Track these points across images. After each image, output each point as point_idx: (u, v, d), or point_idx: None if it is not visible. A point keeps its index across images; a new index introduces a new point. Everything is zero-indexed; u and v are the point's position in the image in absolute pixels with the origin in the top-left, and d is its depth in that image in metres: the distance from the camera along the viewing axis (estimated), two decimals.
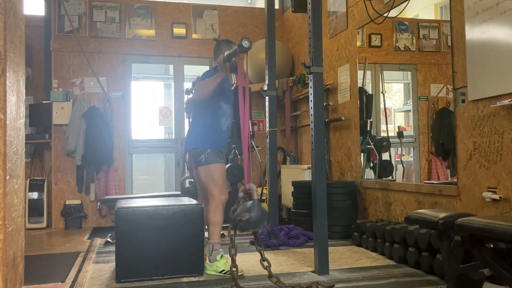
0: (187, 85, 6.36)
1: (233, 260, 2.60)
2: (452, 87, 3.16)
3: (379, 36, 4.45)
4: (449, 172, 3.88)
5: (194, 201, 3.22)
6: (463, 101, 3.05)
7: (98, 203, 5.49)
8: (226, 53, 3.00)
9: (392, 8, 3.76)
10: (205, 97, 3.11)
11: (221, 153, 3.25)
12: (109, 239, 4.20)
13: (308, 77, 3.29)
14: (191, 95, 3.84)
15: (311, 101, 3.14)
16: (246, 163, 2.74)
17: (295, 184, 4.70)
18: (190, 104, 3.46)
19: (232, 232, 2.65)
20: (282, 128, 5.92)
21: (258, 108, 6.11)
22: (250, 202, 2.62)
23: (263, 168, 5.81)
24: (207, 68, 6.02)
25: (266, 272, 3.00)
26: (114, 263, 3.05)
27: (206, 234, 3.42)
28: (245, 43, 2.74)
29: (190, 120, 3.53)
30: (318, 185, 3.06)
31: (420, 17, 4.28)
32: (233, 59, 2.98)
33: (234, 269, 2.59)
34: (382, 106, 4.58)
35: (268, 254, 3.63)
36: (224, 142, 3.26)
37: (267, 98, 4.58)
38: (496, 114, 2.78)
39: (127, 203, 3.15)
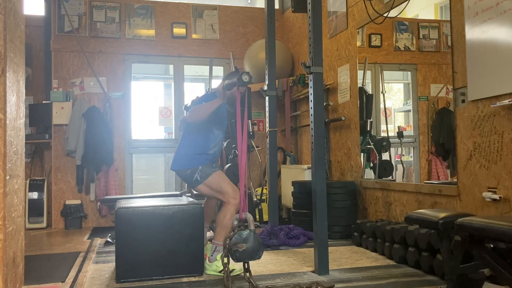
0: (187, 85, 6.38)
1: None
2: (452, 87, 3.16)
3: (379, 36, 4.45)
4: (449, 172, 3.88)
5: (194, 201, 3.22)
6: (463, 101, 3.05)
7: (98, 203, 5.49)
8: (226, 81, 3.01)
9: (392, 8, 3.76)
10: (200, 121, 3.09)
11: (212, 163, 3.22)
12: (109, 239, 4.20)
13: (308, 77, 3.29)
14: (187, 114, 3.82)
15: (311, 101, 3.14)
16: (242, 190, 2.74)
17: (295, 184, 4.70)
18: (183, 122, 3.45)
19: (225, 260, 2.64)
20: (282, 128, 5.92)
21: (258, 108, 6.11)
22: (246, 232, 2.61)
23: (263, 168, 5.81)
24: (206, 68, 6.02)
25: (265, 272, 3.01)
26: (114, 263, 3.05)
27: (208, 234, 3.43)
28: (245, 78, 2.77)
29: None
30: (318, 185, 3.06)
31: (420, 17, 4.28)
32: (233, 89, 2.98)
33: None
34: (382, 106, 4.58)
35: (268, 254, 3.65)
36: (212, 160, 3.23)
37: (267, 98, 4.58)
38: (496, 114, 2.78)
39: (127, 203, 3.15)
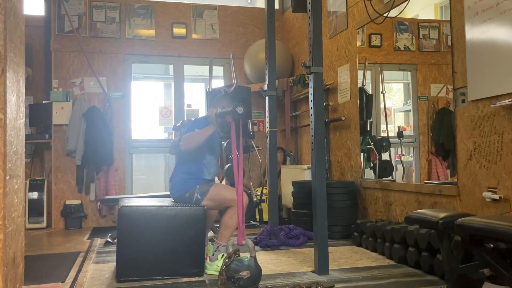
0: (187, 85, 6.38)
1: None
2: (452, 87, 3.16)
3: (379, 36, 4.45)
4: (449, 172, 3.88)
5: None
6: (463, 101, 3.05)
7: (98, 203, 5.49)
8: (220, 110, 3.01)
9: (392, 8, 3.76)
10: (192, 149, 3.07)
11: (209, 180, 3.22)
12: (109, 239, 4.20)
13: (308, 77, 3.29)
14: (177, 138, 3.76)
15: (311, 101, 3.14)
16: (240, 215, 2.74)
17: (295, 184, 4.70)
18: (175, 146, 3.42)
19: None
20: (282, 128, 5.92)
21: (258, 108, 6.11)
22: (247, 258, 2.61)
23: (263, 168, 5.81)
24: (206, 68, 6.02)
25: (265, 272, 3.01)
26: (114, 263, 3.05)
27: (208, 234, 3.43)
28: (239, 109, 2.80)
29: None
30: (318, 185, 3.06)
31: (420, 17, 4.28)
32: (226, 117, 2.99)
33: None
34: (382, 106, 4.58)
35: (268, 254, 3.65)
36: (208, 183, 3.22)
37: (267, 98, 4.57)
38: (496, 114, 2.78)
39: (130, 202, 3.15)
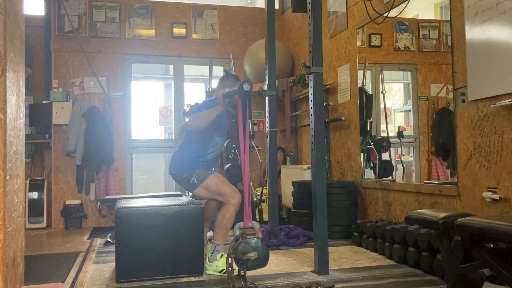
0: (187, 85, 6.38)
1: None
2: (452, 87, 3.16)
3: (379, 36, 4.45)
4: (449, 172, 3.88)
5: (194, 201, 3.22)
6: (463, 101, 3.05)
7: (98, 203, 5.49)
8: (227, 90, 3.01)
9: (392, 8, 3.76)
10: (200, 129, 3.08)
11: (208, 166, 3.22)
12: (109, 239, 4.20)
13: (308, 77, 3.30)
14: (187, 119, 3.78)
15: (311, 101, 3.14)
16: (246, 199, 2.75)
17: (295, 184, 4.70)
18: (183, 129, 3.44)
19: (230, 260, 2.61)
20: (282, 128, 5.92)
21: (258, 108, 6.12)
22: (254, 240, 2.62)
23: (263, 168, 5.81)
24: (206, 68, 6.02)
25: (265, 272, 3.01)
26: (114, 263, 3.05)
27: (208, 234, 3.43)
28: (246, 87, 2.77)
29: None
30: (318, 185, 3.06)
31: (420, 17, 4.28)
32: (234, 97, 2.99)
33: None
34: (382, 106, 4.58)
35: None
36: (209, 165, 3.23)
37: (267, 98, 4.58)
38: (496, 114, 2.78)
39: (127, 203, 3.15)
